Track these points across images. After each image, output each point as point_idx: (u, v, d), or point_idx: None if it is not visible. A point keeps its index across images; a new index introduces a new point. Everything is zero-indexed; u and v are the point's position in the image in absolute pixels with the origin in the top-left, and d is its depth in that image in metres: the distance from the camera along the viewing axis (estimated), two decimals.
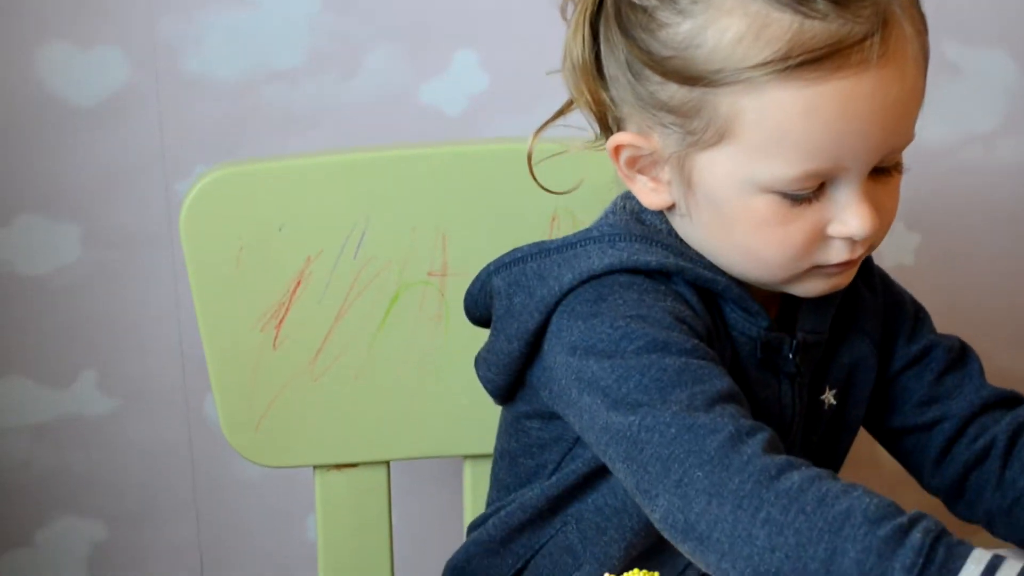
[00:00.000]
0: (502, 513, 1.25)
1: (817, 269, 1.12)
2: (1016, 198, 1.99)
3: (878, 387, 1.25)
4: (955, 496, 1.24)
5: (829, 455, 1.23)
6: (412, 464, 1.78)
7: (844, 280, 1.13)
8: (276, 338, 1.42)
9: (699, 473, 0.97)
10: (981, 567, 0.88)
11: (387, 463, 1.48)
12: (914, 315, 1.28)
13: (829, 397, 1.20)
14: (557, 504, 1.21)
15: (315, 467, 1.47)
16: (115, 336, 1.85)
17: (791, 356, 1.16)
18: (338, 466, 1.47)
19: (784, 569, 0.93)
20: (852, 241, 1.09)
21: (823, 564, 0.91)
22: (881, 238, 1.13)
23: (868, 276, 1.26)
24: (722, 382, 1.05)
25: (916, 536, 0.89)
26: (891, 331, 1.26)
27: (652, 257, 1.11)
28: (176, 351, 1.86)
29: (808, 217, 1.08)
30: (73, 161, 1.77)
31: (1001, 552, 0.91)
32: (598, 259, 1.12)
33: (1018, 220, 2.00)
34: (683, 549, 1.00)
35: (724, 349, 1.14)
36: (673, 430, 1.00)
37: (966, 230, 2.00)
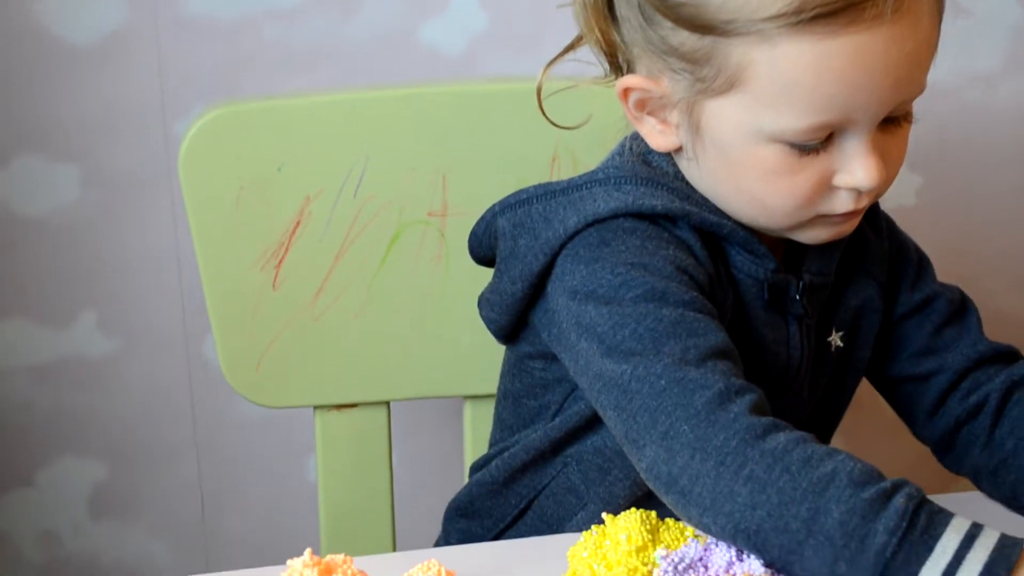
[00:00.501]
0: (505, 454, 1.25)
1: (822, 218, 1.12)
2: (1019, 138, 1.98)
3: (881, 332, 1.25)
4: (944, 449, 1.24)
5: (835, 397, 1.24)
6: (412, 404, 1.78)
7: (848, 228, 1.13)
8: (276, 278, 1.41)
9: (685, 427, 0.98)
10: (961, 535, 0.89)
11: (387, 403, 1.48)
12: (917, 262, 1.28)
13: (836, 339, 1.20)
14: (560, 445, 1.21)
15: (315, 407, 1.47)
16: (115, 277, 1.85)
17: (798, 298, 1.16)
18: (338, 406, 1.47)
19: (765, 527, 0.94)
20: (858, 191, 1.09)
21: (805, 523, 0.92)
22: (887, 187, 1.13)
23: (874, 220, 1.26)
24: (716, 337, 1.05)
25: (899, 500, 0.90)
26: (895, 276, 1.26)
27: (658, 201, 1.11)
28: (176, 291, 1.86)
29: (815, 167, 1.08)
30: (72, 101, 1.76)
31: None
32: (604, 202, 1.12)
33: (1022, 160, 2.00)
34: (667, 501, 1.00)
35: (727, 293, 1.14)
36: (663, 382, 1.00)
37: (969, 171, 1.99)
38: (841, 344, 1.21)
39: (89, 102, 1.76)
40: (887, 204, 1.96)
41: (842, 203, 1.10)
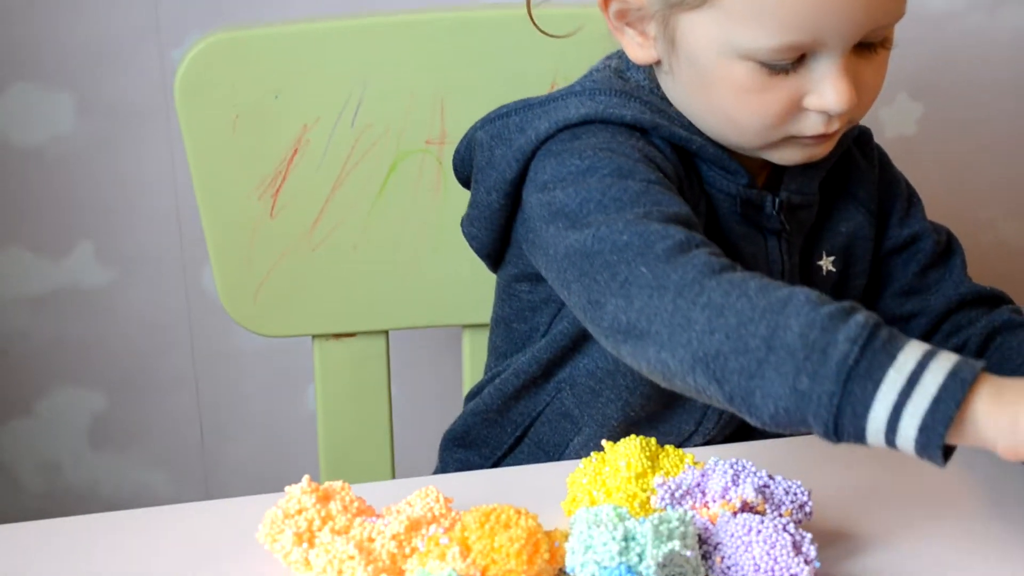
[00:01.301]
0: (497, 380, 1.26)
1: (793, 139, 1.12)
2: (1020, 65, 1.97)
3: (868, 274, 1.25)
4: None
5: None
6: (411, 334, 1.78)
7: (820, 151, 1.14)
8: (273, 207, 1.41)
9: (644, 269, 0.97)
10: (922, 348, 0.87)
11: (386, 332, 1.48)
12: (907, 198, 1.28)
13: (827, 264, 1.21)
14: (550, 368, 1.22)
15: (314, 337, 1.47)
16: (112, 206, 1.84)
17: (775, 213, 1.17)
18: (337, 336, 1.47)
19: (724, 349, 0.92)
20: (828, 115, 1.09)
21: (764, 341, 0.90)
22: (861, 114, 1.13)
23: (866, 147, 1.26)
24: (681, 207, 1.05)
25: (859, 316, 0.88)
26: (885, 208, 1.26)
27: (628, 111, 1.12)
28: (173, 221, 1.85)
29: (786, 87, 1.08)
30: (66, 29, 1.75)
31: None
32: (575, 110, 1.13)
33: (1022, 87, 1.99)
34: (624, 355, 0.99)
35: (699, 204, 1.15)
36: (625, 237, 1.00)
37: (969, 99, 1.98)
38: (833, 269, 1.21)
39: (84, 30, 1.75)
40: (887, 134, 1.96)
41: (812, 125, 1.10)
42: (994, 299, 1.25)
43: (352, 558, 0.91)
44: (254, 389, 1.95)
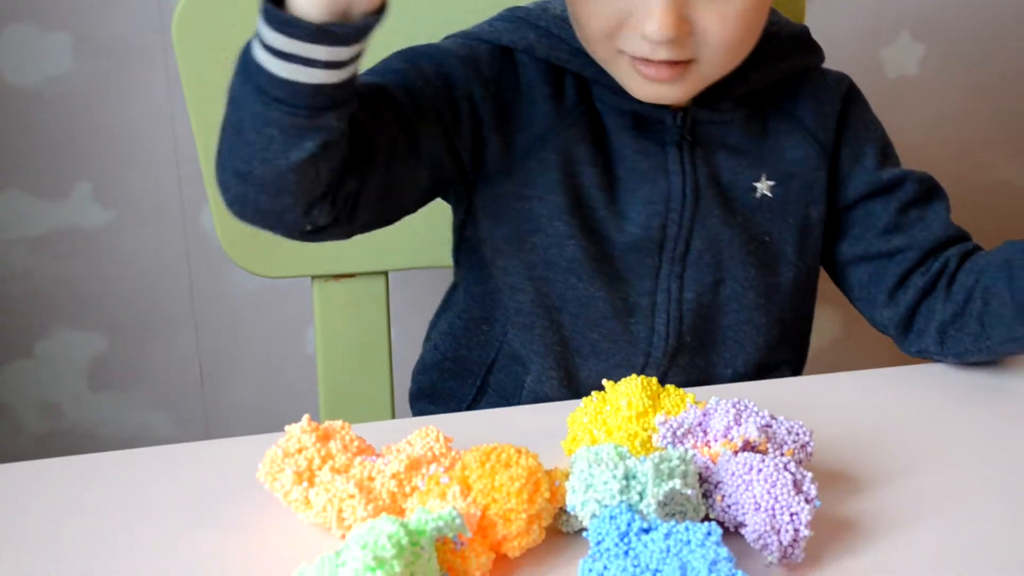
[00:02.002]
0: (442, 324, 1.31)
1: (629, 61, 1.14)
2: (1021, 5, 1.96)
3: (841, 211, 1.25)
4: (905, 327, 1.24)
5: (770, 245, 1.23)
6: (410, 274, 1.78)
7: (668, 93, 1.15)
8: None
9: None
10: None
11: (385, 273, 1.48)
12: (883, 146, 1.28)
13: (764, 187, 1.21)
14: (485, 308, 1.25)
15: (313, 277, 1.47)
16: (110, 147, 1.83)
17: (677, 127, 1.19)
18: (336, 276, 1.47)
19: (228, 121, 1.03)
20: (649, 41, 1.11)
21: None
22: (715, 57, 1.13)
23: (821, 77, 1.27)
24: (390, 83, 1.13)
25: None
26: (855, 150, 1.25)
27: (505, 36, 1.21)
28: (171, 161, 1.85)
29: (617, 2, 1.12)
30: None
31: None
32: (472, 31, 1.23)
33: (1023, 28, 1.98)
34: (228, 201, 1.05)
35: (576, 120, 1.18)
36: None
37: (972, 40, 1.97)
38: (770, 195, 1.21)
39: None
40: (888, 75, 1.95)
41: (636, 45, 1.12)
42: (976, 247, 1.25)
43: (352, 497, 0.91)
44: (254, 330, 1.95)
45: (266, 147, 1.00)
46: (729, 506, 0.92)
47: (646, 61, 1.13)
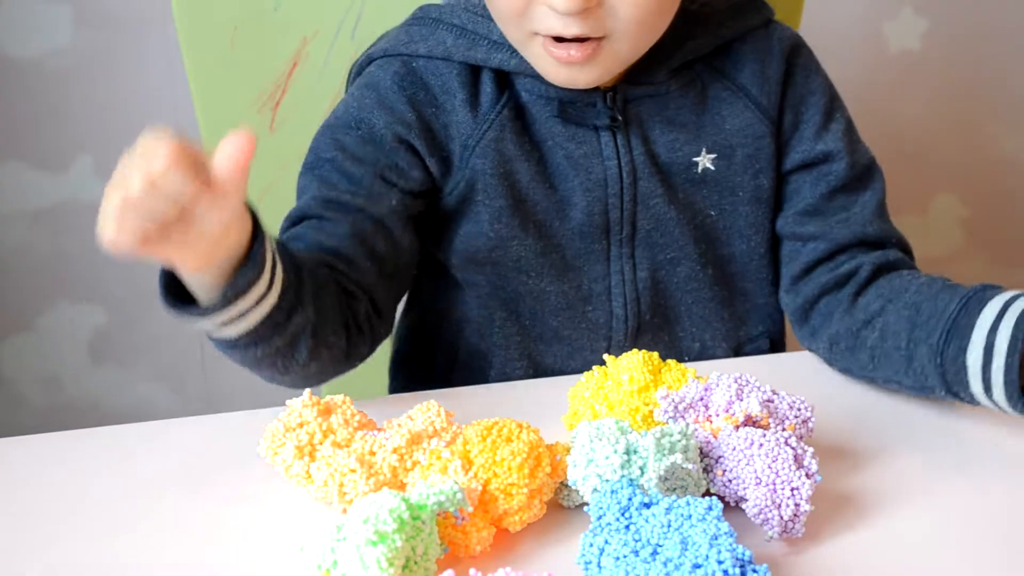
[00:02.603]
0: (405, 323, 1.31)
1: (543, 43, 1.11)
2: None
3: (781, 179, 1.22)
4: (802, 319, 1.21)
5: (718, 219, 1.21)
6: None
7: (577, 71, 1.12)
8: (273, 121, 1.40)
9: None
10: None
11: None
12: (826, 111, 1.23)
13: (706, 160, 1.18)
14: (443, 300, 1.25)
15: None
16: (111, 120, 1.83)
17: (609, 108, 1.16)
18: None
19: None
20: (561, 17, 1.09)
21: None
22: (623, 34, 1.10)
23: (764, 40, 1.22)
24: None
25: None
26: (796, 116, 1.22)
27: (421, 45, 1.18)
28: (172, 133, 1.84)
29: None
30: None
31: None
32: (388, 42, 1.20)
33: None
34: None
35: (499, 124, 1.15)
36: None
37: (975, 14, 1.97)
38: (712, 167, 1.19)
39: None
40: (891, 49, 1.94)
41: (548, 23, 1.10)
42: (900, 247, 1.20)
43: (353, 471, 0.91)
44: None
45: (276, 371, 1.04)
46: (730, 481, 0.92)
47: (558, 41, 1.10)
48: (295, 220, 1.14)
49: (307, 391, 0.96)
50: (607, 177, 1.16)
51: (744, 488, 0.91)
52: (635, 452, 0.90)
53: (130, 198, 0.84)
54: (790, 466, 0.91)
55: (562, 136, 1.16)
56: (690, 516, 0.83)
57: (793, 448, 0.92)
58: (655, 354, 1.02)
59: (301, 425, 0.94)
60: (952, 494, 0.96)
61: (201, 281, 0.94)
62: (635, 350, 1.02)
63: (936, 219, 2.08)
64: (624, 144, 1.16)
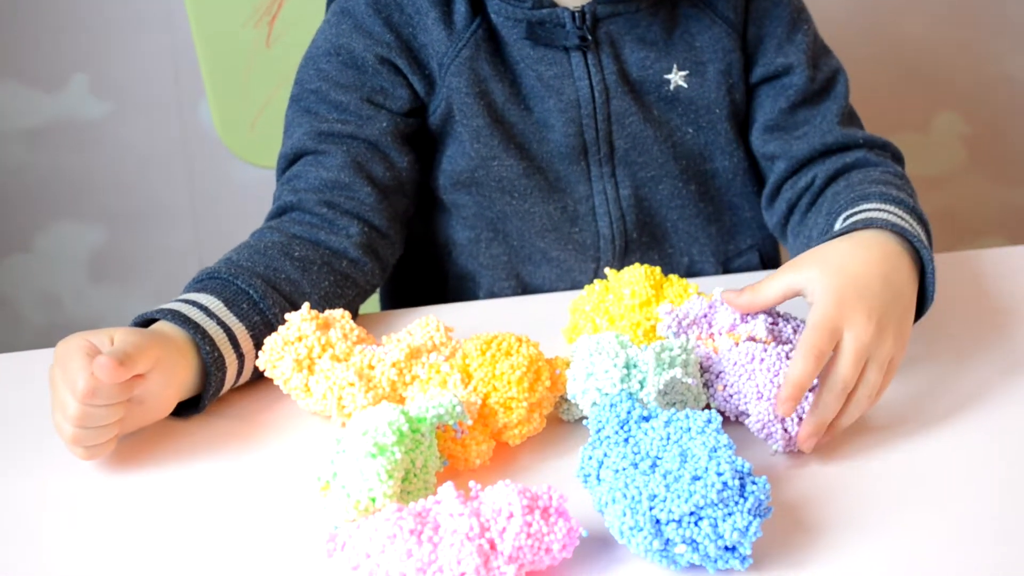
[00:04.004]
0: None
1: None
2: None
3: (748, 93, 1.21)
4: (781, 236, 1.22)
5: (696, 136, 1.20)
6: None
7: None
8: (269, 36, 1.39)
9: None
10: None
11: None
12: (792, 23, 1.21)
13: (677, 78, 1.18)
14: (430, 225, 1.24)
15: None
16: (105, 38, 1.82)
17: (578, 28, 1.15)
18: None
19: None
20: None
21: None
22: None
23: None
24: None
25: None
26: (760, 29, 1.21)
27: None
28: (167, 52, 1.83)
29: None
30: None
31: None
32: None
33: None
34: None
35: (472, 43, 1.14)
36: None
37: None
38: (684, 84, 1.18)
39: None
40: None
41: None
42: (866, 144, 1.19)
43: (352, 385, 0.91)
44: (253, 222, 1.94)
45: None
46: (731, 396, 0.92)
47: None
48: (291, 159, 1.15)
49: (306, 305, 0.95)
50: (579, 97, 1.15)
51: (746, 403, 0.91)
52: (635, 366, 0.89)
53: (77, 432, 0.89)
54: None
55: (532, 58, 1.15)
56: (689, 429, 0.83)
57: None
58: (657, 269, 1.01)
59: (300, 339, 0.94)
60: (956, 418, 0.96)
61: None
62: (637, 264, 1.01)
63: (938, 137, 2.06)
64: (595, 64, 1.15)
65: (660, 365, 0.89)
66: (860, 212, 1.02)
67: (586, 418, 0.90)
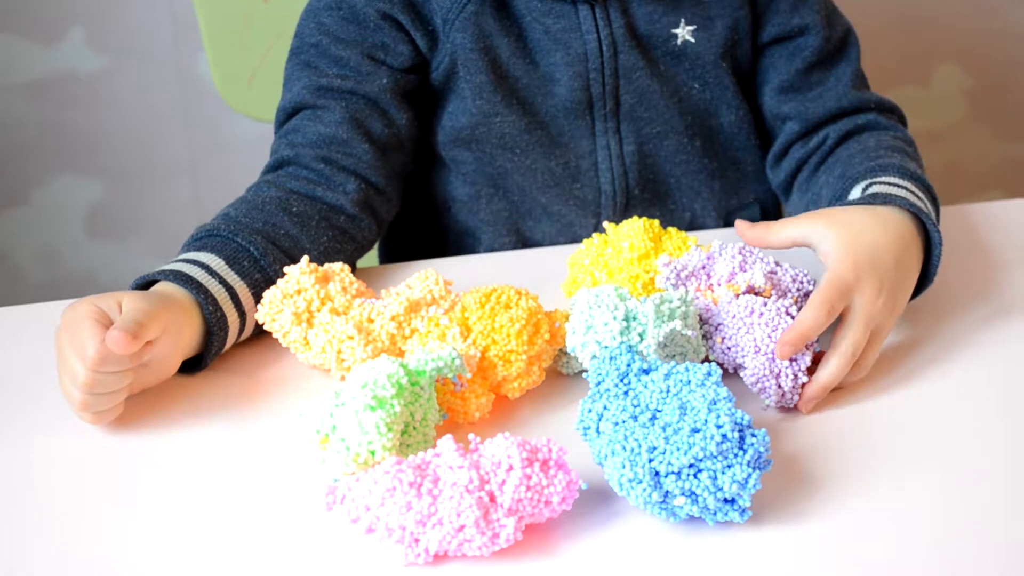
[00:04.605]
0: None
1: None
2: None
3: (757, 53, 1.21)
4: (785, 194, 1.23)
5: (703, 91, 1.19)
6: None
7: None
8: None
9: None
10: None
11: None
12: None
13: (685, 32, 1.17)
14: (430, 181, 1.23)
15: None
16: None
17: None
18: None
19: None
20: None
21: None
22: None
23: None
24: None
25: None
26: None
27: None
28: (165, 5, 1.82)
29: None
30: None
31: None
32: None
33: None
34: None
35: None
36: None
37: None
38: (692, 40, 1.18)
39: None
40: None
41: None
42: (880, 108, 1.20)
43: (351, 338, 0.91)
44: (252, 176, 1.93)
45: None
46: (729, 348, 0.92)
47: None
48: (290, 113, 1.14)
49: (305, 258, 0.95)
50: (587, 51, 1.15)
51: (743, 356, 0.91)
52: (634, 319, 0.89)
53: (86, 398, 0.88)
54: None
55: (540, 11, 1.14)
56: (689, 382, 0.83)
57: (794, 318, 0.91)
58: (655, 222, 1.01)
59: (299, 292, 0.93)
60: (954, 368, 0.96)
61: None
62: (635, 217, 1.01)
63: (939, 90, 2.06)
64: (603, 17, 1.15)
65: (660, 317, 0.89)
66: (878, 184, 1.03)
67: (585, 371, 0.90)
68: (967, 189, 2.11)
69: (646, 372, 0.85)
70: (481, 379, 0.90)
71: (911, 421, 0.89)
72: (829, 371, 0.91)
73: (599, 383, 0.85)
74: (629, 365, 0.85)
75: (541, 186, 1.18)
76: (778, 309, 0.91)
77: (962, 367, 0.95)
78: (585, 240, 1.02)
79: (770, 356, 0.90)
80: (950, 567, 0.77)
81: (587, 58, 1.14)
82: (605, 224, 1.02)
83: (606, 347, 0.88)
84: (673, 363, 0.85)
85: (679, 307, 0.90)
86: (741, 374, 0.91)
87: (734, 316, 0.92)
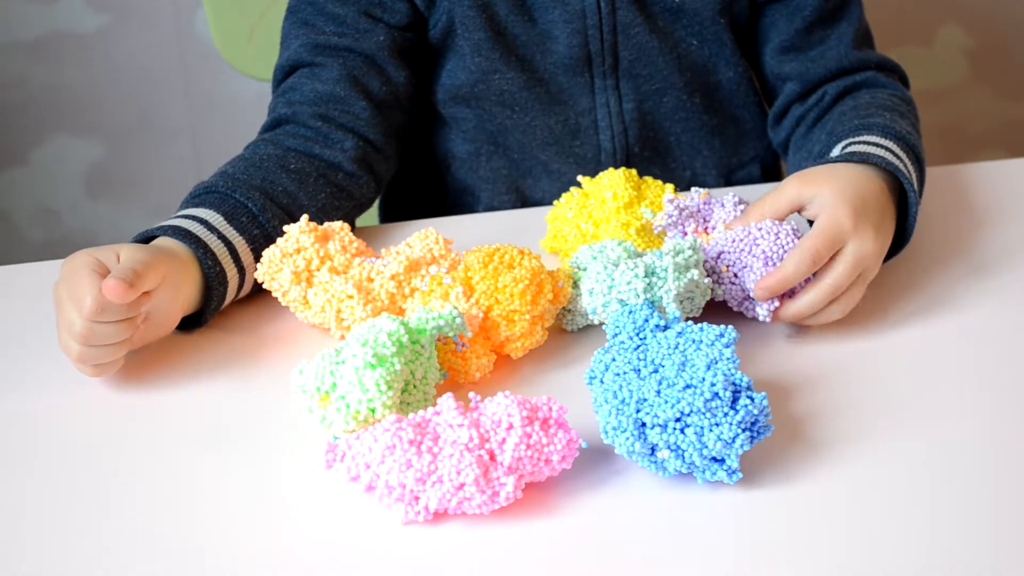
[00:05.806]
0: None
1: None
2: None
3: (756, 11, 1.20)
4: (783, 151, 1.22)
5: (701, 47, 1.18)
6: None
7: None
8: None
9: None
10: None
11: None
12: None
13: None
14: (428, 140, 1.23)
15: None
16: None
17: None
18: None
19: None
20: None
21: None
22: None
23: None
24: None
25: None
26: None
27: None
28: None
29: None
30: None
31: None
32: None
33: None
34: None
35: None
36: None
37: None
38: None
39: None
40: None
41: None
42: (880, 68, 1.19)
43: (351, 297, 0.91)
44: (251, 135, 1.92)
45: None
46: (737, 274, 0.92)
47: None
48: (287, 71, 1.14)
49: (304, 217, 0.95)
50: (585, 8, 1.14)
51: (752, 276, 0.92)
52: (654, 274, 0.90)
53: (84, 349, 0.88)
54: (793, 240, 0.93)
55: None
56: (700, 342, 0.83)
57: (794, 229, 0.94)
58: (633, 171, 1.03)
59: (298, 251, 0.93)
60: (953, 308, 0.97)
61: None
62: (611, 168, 1.01)
63: (941, 50, 2.05)
64: None
65: (678, 270, 0.90)
66: (857, 143, 1.02)
67: (591, 325, 0.90)
68: (968, 150, 2.11)
69: (663, 329, 0.86)
70: (484, 339, 0.90)
71: (907, 379, 0.90)
72: (804, 302, 0.92)
73: (616, 335, 0.87)
74: (647, 320, 0.86)
75: (541, 144, 1.18)
76: (775, 224, 0.94)
77: (951, 324, 0.96)
78: (563, 195, 1.02)
79: (779, 262, 0.92)
80: (939, 526, 0.77)
81: (585, 15, 1.14)
82: (580, 178, 1.02)
83: (627, 304, 0.89)
84: (689, 323, 0.86)
85: (692, 255, 0.91)
86: (750, 293, 0.93)
87: (735, 240, 0.94)
